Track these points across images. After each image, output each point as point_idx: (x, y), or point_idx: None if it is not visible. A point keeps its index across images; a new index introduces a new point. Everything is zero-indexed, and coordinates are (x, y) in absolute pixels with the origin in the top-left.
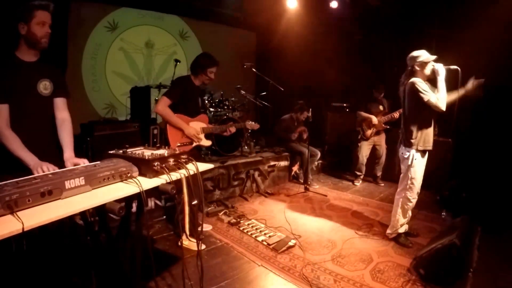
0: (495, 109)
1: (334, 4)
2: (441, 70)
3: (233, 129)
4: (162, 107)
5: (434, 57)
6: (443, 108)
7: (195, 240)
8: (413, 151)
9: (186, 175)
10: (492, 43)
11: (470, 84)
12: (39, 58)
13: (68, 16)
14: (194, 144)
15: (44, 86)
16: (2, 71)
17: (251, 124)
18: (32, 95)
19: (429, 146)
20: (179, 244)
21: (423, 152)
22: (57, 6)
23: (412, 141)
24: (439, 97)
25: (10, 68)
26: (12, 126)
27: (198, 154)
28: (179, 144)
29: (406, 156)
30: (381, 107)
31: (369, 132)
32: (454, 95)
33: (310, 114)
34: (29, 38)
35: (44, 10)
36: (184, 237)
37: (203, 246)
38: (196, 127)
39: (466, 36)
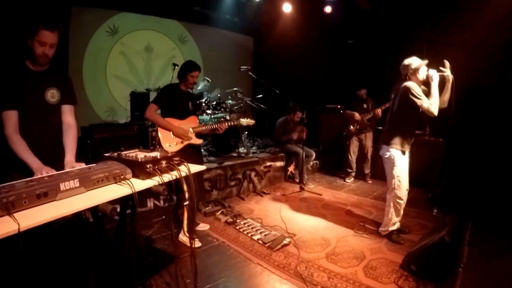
0: (485, 109)
1: (327, 9)
2: (435, 76)
3: (224, 126)
4: (149, 112)
5: (426, 61)
6: (435, 113)
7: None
8: (393, 150)
9: (178, 176)
10: (482, 46)
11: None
12: (49, 67)
13: (69, 20)
14: (185, 143)
15: (52, 95)
16: (12, 79)
17: (246, 121)
18: (40, 103)
19: (407, 149)
20: (177, 240)
21: (402, 152)
22: (58, 10)
23: (393, 141)
24: (432, 102)
25: (20, 77)
26: (20, 131)
27: (196, 152)
28: (169, 144)
29: (386, 156)
30: (365, 106)
31: (352, 128)
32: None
33: (304, 115)
34: (30, 52)
35: (49, 30)
36: (181, 233)
37: (199, 244)
38: (185, 127)
39: (457, 39)
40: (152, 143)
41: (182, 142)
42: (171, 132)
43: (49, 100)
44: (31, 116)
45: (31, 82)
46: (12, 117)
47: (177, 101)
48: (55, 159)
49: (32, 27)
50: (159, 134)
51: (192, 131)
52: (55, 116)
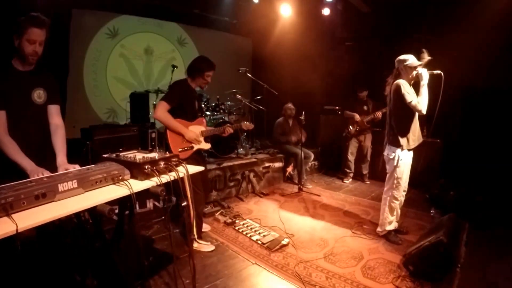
0: (481, 110)
1: (326, 11)
2: (425, 75)
3: (230, 130)
4: (161, 112)
5: (420, 62)
6: (424, 111)
7: (203, 242)
8: (398, 151)
9: (176, 178)
10: (478, 48)
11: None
12: (35, 67)
13: (69, 23)
14: (195, 148)
15: (38, 95)
16: None
17: (247, 125)
18: (27, 104)
19: (414, 145)
20: (189, 245)
21: (408, 151)
22: (59, 13)
23: (398, 141)
24: (420, 101)
25: (6, 77)
26: (8, 133)
27: (200, 157)
28: (180, 150)
29: (391, 157)
30: (365, 107)
31: (353, 129)
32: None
33: (303, 116)
34: (19, 52)
35: (37, 28)
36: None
37: (213, 247)
38: (196, 131)
39: (453, 41)
40: (151, 144)
41: (192, 148)
42: (182, 136)
43: (35, 100)
44: (18, 117)
45: (17, 83)
46: (1, 118)
47: (188, 100)
48: (42, 159)
49: (20, 26)
50: (169, 138)
51: (201, 134)
52: (42, 116)
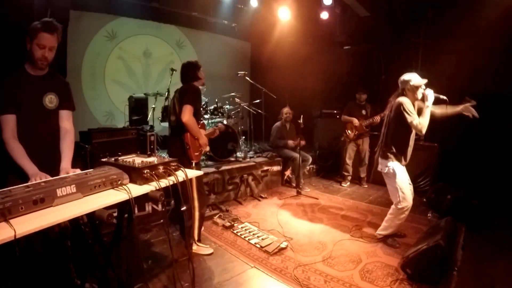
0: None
1: (324, 15)
2: (431, 96)
3: (217, 132)
4: (190, 116)
5: (425, 81)
6: (423, 132)
7: (202, 245)
8: (390, 163)
9: (178, 181)
10: (475, 52)
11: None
12: (47, 72)
13: (67, 25)
14: (202, 151)
15: (50, 100)
16: (11, 83)
17: (221, 126)
18: (38, 108)
19: (404, 163)
20: (188, 249)
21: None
22: (57, 15)
23: (391, 155)
24: (422, 122)
25: (19, 81)
26: (18, 135)
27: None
28: (197, 154)
29: (385, 171)
30: (363, 112)
31: (351, 134)
32: (443, 110)
33: (301, 120)
34: (30, 56)
35: (48, 33)
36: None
37: (211, 250)
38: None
39: (450, 45)
40: (150, 148)
41: (202, 151)
42: (197, 141)
43: (47, 105)
44: (29, 121)
45: (29, 87)
46: (10, 122)
47: (200, 104)
48: (51, 163)
49: (32, 31)
50: (190, 143)
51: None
52: (52, 121)
